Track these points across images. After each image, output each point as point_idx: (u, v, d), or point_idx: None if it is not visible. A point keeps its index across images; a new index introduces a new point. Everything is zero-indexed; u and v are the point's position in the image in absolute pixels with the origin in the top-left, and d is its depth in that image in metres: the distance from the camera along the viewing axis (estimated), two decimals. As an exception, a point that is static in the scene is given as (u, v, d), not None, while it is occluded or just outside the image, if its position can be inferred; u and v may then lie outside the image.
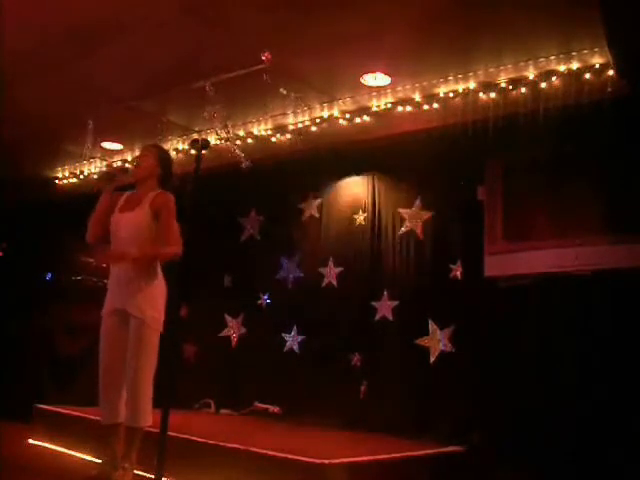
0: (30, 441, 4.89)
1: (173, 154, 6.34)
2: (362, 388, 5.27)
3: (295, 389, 5.53)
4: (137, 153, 6.68)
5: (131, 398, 3.39)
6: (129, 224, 3.54)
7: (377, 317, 5.42)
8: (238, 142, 5.80)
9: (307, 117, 5.55)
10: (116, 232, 3.59)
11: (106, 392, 3.51)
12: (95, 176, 7.00)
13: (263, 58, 4.37)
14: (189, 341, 6.38)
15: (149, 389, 3.44)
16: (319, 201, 6.05)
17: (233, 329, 6.32)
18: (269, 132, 5.82)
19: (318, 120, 5.51)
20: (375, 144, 5.34)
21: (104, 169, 6.88)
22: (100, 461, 3.72)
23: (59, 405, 5.06)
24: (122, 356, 3.50)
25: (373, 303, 5.45)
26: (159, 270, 3.58)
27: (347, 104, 5.31)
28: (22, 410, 5.27)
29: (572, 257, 4.39)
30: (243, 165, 5.21)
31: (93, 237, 3.65)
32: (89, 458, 4.29)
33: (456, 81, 4.80)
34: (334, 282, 5.79)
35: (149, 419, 3.41)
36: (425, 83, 4.89)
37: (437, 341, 5.05)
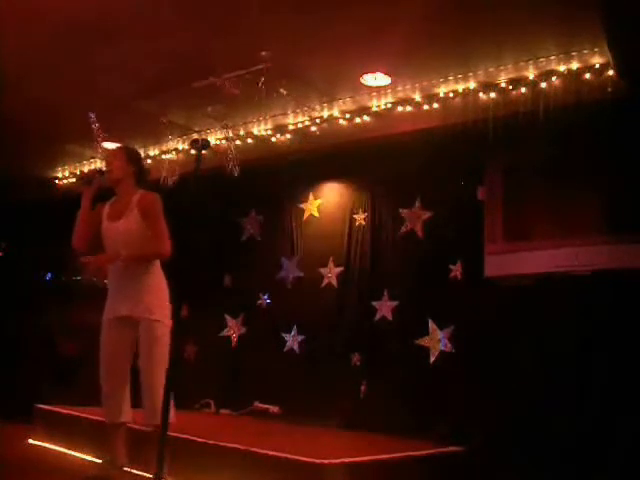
0: (30, 441, 4.89)
1: (173, 154, 6.36)
2: (362, 388, 5.27)
3: (295, 389, 5.52)
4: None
5: (151, 398, 3.35)
6: (121, 232, 3.50)
7: (377, 317, 5.42)
8: (238, 141, 5.81)
9: (307, 117, 5.55)
10: (109, 241, 3.56)
11: (110, 393, 3.51)
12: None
13: (263, 55, 4.37)
14: (189, 341, 6.39)
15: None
16: (319, 201, 6.06)
17: (233, 329, 6.32)
18: (269, 132, 5.82)
19: (318, 120, 5.52)
20: (375, 144, 5.33)
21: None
22: (100, 461, 3.72)
23: (59, 405, 5.06)
24: (125, 357, 3.51)
25: (373, 303, 5.45)
26: (159, 267, 3.58)
27: (347, 104, 5.31)
28: (22, 410, 5.27)
29: (572, 257, 4.39)
30: (233, 171, 5.24)
31: (79, 242, 3.61)
32: (89, 458, 4.28)
33: (456, 81, 4.80)
34: (334, 282, 5.79)
35: (173, 415, 3.39)
36: (425, 83, 4.89)
37: (437, 341, 5.05)
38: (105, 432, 3.66)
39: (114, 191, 3.69)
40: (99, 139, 5.41)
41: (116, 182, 3.64)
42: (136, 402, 3.68)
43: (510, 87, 4.62)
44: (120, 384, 3.52)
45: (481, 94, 4.74)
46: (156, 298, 3.47)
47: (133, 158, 3.71)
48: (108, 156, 3.79)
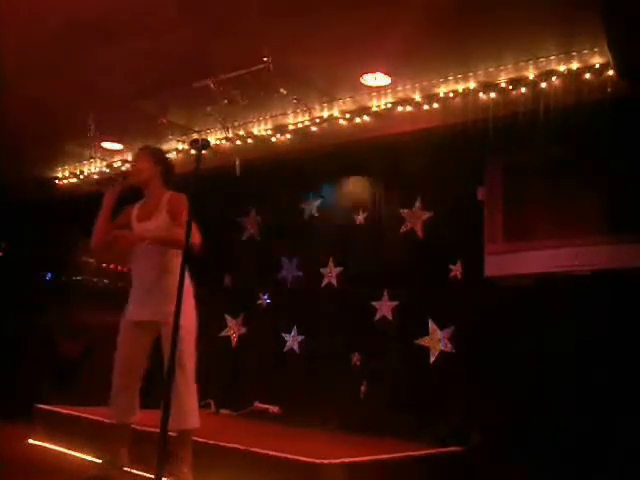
0: (30, 441, 4.89)
1: (173, 154, 6.35)
2: (362, 388, 5.27)
3: (295, 389, 5.53)
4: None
5: (177, 402, 3.29)
6: (149, 233, 3.48)
7: (377, 317, 5.42)
8: (238, 142, 5.81)
9: (307, 117, 5.55)
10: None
11: (122, 394, 3.50)
12: (95, 176, 7.00)
13: (264, 60, 4.37)
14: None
15: (193, 390, 3.45)
16: (319, 201, 6.06)
17: (233, 329, 6.32)
18: (269, 132, 5.82)
19: (318, 120, 5.52)
20: (375, 144, 5.33)
21: (105, 171, 6.90)
22: (100, 461, 3.71)
23: (59, 405, 5.06)
24: (140, 359, 3.52)
25: (373, 303, 5.45)
26: (185, 272, 3.56)
27: (347, 104, 5.30)
28: (22, 410, 5.27)
29: (572, 257, 4.38)
30: (237, 170, 5.24)
31: (98, 243, 3.60)
32: (89, 458, 4.28)
33: (456, 81, 4.79)
34: (334, 282, 5.79)
35: (198, 420, 3.44)
36: (425, 83, 4.89)
37: (437, 341, 5.05)
38: (108, 432, 3.64)
39: (141, 193, 3.68)
40: (95, 142, 5.42)
41: (144, 183, 3.63)
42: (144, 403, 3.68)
43: (510, 87, 4.61)
44: (132, 384, 3.51)
45: (481, 94, 4.74)
46: (183, 304, 3.45)
47: (158, 158, 3.68)
48: (133, 157, 3.77)
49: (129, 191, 3.72)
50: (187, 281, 3.55)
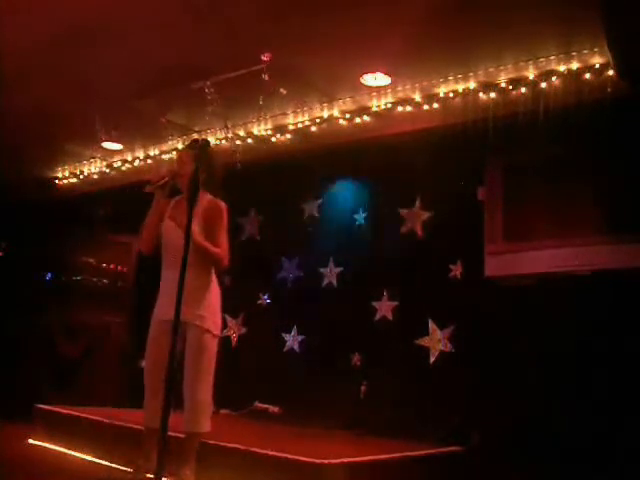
0: (30, 441, 4.88)
1: (173, 154, 6.34)
2: (362, 388, 5.27)
3: (295, 389, 5.52)
4: (137, 153, 6.71)
5: (192, 405, 3.34)
6: (179, 231, 3.34)
7: (377, 317, 5.42)
8: (238, 142, 5.81)
9: (307, 117, 5.55)
10: (166, 240, 3.51)
11: (152, 395, 3.42)
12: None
13: (263, 58, 4.37)
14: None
15: (210, 395, 3.41)
16: (319, 201, 6.06)
17: (233, 329, 6.32)
18: (269, 132, 5.82)
19: (318, 120, 5.52)
20: (375, 144, 5.33)
21: (105, 171, 6.87)
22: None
23: (59, 405, 5.06)
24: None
25: (373, 303, 5.45)
26: (216, 281, 3.54)
27: (347, 104, 5.31)
28: (22, 410, 5.27)
29: (572, 257, 4.39)
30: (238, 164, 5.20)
31: (147, 246, 3.56)
32: (89, 458, 4.28)
33: (456, 81, 4.80)
34: (334, 282, 5.79)
35: (209, 424, 3.40)
36: (425, 83, 4.89)
37: (437, 341, 5.05)
38: (142, 437, 3.57)
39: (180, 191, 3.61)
40: (101, 139, 5.40)
41: (184, 185, 3.54)
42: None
43: (510, 87, 4.62)
44: (162, 387, 3.46)
45: (481, 94, 4.74)
46: (208, 305, 3.43)
47: (204, 162, 3.59)
48: (178, 158, 3.67)
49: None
50: (219, 295, 3.54)
